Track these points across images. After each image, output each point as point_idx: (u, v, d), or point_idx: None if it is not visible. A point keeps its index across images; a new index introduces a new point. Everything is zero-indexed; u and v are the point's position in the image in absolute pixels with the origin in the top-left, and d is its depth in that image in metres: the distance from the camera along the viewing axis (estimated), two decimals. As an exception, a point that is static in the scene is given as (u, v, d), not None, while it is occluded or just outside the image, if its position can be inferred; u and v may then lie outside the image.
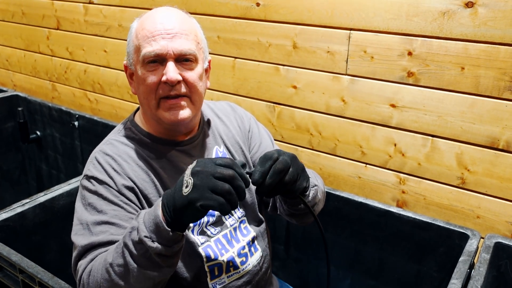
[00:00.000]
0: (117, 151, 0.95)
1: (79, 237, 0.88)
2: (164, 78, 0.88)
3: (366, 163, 1.45)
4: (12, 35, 2.42)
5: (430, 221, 1.23)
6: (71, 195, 1.40)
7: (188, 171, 0.73)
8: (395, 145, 1.38)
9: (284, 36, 1.48)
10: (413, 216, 1.25)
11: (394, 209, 1.28)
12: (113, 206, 0.89)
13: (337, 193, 1.36)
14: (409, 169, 1.37)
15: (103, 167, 0.93)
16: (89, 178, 0.93)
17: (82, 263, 0.85)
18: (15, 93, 2.33)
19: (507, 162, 1.22)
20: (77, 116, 2.07)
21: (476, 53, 1.18)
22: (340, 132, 1.46)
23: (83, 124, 2.06)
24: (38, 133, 2.32)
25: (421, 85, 1.28)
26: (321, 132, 1.50)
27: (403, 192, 1.41)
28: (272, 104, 1.59)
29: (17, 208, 1.29)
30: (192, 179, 0.71)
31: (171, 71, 0.88)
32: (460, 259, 1.07)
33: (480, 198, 1.28)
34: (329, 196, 1.37)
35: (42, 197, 1.34)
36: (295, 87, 1.51)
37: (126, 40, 1.90)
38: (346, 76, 1.40)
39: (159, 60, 0.90)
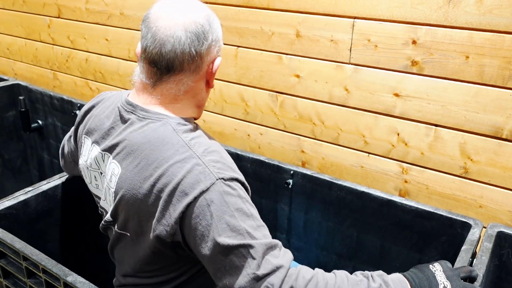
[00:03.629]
0: (210, 142, 0.94)
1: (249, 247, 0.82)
2: None
3: (369, 153, 1.44)
4: (12, 23, 2.40)
5: (432, 211, 1.23)
6: (74, 183, 1.40)
7: (441, 274, 0.88)
8: (398, 134, 1.37)
9: (287, 25, 1.47)
10: (415, 205, 1.25)
11: (397, 198, 1.28)
12: (254, 207, 0.88)
13: (340, 182, 1.36)
14: (412, 158, 1.37)
15: (229, 166, 0.89)
16: (227, 180, 0.86)
17: (281, 263, 0.81)
18: (16, 81, 2.32)
19: (510, 151, 1.21)
20: (78, 105, 2.06)
21: (481, 42, 1.17)
22: (343, 121, 1.46)
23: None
24: (40, 122, 2.31)
25: (425, 74, 1.28)
26: (324, 122, 1.50)
27: (406, 181, 1.41)
28: (274, 93, 1.58)
29: (20, 196, 1.29)
30: (449, 283, 0.86)
31: None
32: (463, 248, 1.08)
33: (482, 187, 1.28)
34: (331, 185, 1.37)
35: (45, 185, 1.34)
36: (298, 76, 1.51)
37: (127, 28, 1.89)
38: (350, 65, 1.39)
39: None
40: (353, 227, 1.39)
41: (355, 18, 1.34)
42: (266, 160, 1.48)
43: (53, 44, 2.25)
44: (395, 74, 1.32)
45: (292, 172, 1.44)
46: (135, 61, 1.97)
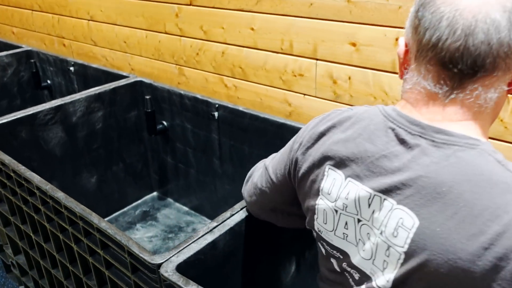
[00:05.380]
0: None
1: None
2: None
3: None
4: (132, 14, 2.17)
5: None
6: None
7: None
8: None
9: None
10: None
11: None
12: None
13: None
14: None
15: None
16: None
17: None
18: (138, 79, 2.10)
19: None
20: (216, 105, 1.79)
21: None
22: None
23: (225, 115, 1.78)
24: (165, 123, 2.08)
25: None
26: None
27: None
28: None
29: (207, 235, 1.01)
30: None
31: None
32: None
33: None
34: None
35: (229, 220, 1.06)
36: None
37: (281, 15, 1.57)
38: None
39: None
40: None
41: None
42: None
43: (181, 36, 1.98)
44: None
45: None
46: (288, 54, 1.66)
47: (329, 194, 0.77)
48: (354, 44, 1.42)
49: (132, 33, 2.22)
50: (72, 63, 2.43)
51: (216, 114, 1.80)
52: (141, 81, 2.09)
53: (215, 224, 1.05)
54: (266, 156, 1.68)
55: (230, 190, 1.94)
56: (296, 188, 0.89)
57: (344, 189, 0.74)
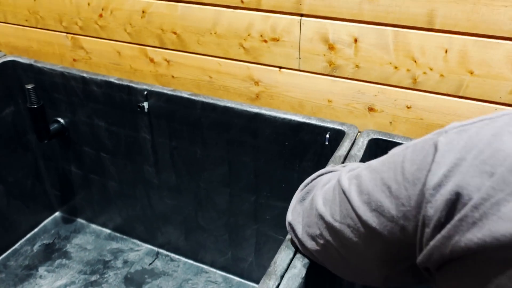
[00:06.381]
0: None
1: None
2: None
3: None
4: (-19, -43, 1.41)
5: None
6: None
7: None
8: None
9: None
10: None
11: None
12: None
13: None
14: None
15: None
16: None
17: None
18: (9, 58, 1.39)
19: None
20: (145, 92, 1.20)
21: None
22: None
23: (159, 105, 1.21)
24: (62, 121, 1.43)
25: None
26: None
27: None
28: None
29: None
30: None
31: None
32: None
33: None
34: None
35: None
36: None
37: None
38: None
39: None
40: None
41: None
42: None
43: (70, -12, 1.31)
44: None
45: None
46: (254, 9, 1.12)
47: None
48: (365, -11, 0.94)
49: (-14, -12, 1.47)
50: None
51: (145, 105, 1.21)
52: (14, 62, 1.39)
53: None
54: (232, 160, 1.17)
55: (173, 206, 1.40)
56: (422, 257, 0.44)
57: None
